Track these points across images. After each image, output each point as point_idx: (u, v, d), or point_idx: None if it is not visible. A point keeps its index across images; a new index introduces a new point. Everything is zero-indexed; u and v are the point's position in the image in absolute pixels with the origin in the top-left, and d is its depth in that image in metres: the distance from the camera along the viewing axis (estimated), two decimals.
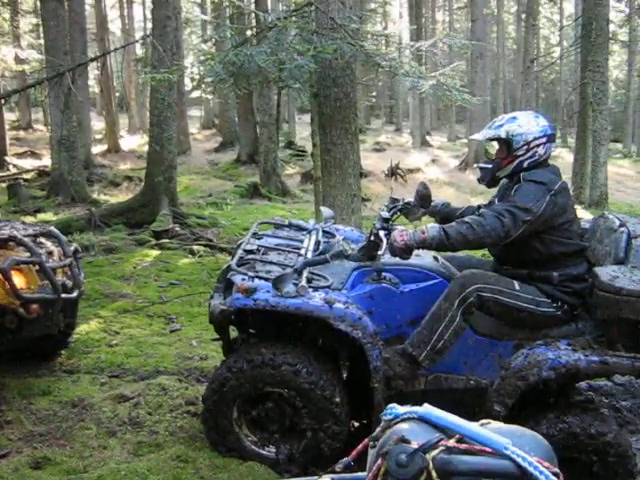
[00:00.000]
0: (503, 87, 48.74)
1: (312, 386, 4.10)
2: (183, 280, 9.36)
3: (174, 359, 6.27)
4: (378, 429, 1.47)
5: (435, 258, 4.65)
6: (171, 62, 11.68)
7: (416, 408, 1.43)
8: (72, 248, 5.99)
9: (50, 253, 5.72)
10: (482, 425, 1.40)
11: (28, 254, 5.33)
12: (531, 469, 1.29)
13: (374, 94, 50.46)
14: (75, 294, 5.70)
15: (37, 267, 5.34)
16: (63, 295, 5.44)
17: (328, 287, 4.22)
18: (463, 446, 1.33)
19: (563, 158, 27.77)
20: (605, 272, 3.98)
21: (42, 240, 5.83)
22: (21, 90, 16.94)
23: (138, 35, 37.03)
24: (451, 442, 1.33)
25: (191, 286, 9.06)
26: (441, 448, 1.31)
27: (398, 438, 1.35)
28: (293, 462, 4.21)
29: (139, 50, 33.27)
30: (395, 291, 4.31)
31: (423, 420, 1.40)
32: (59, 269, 5.63)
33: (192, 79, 9.92)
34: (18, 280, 5.14)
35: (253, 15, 14.72)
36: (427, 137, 38.22)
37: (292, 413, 4.24)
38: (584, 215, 13.49)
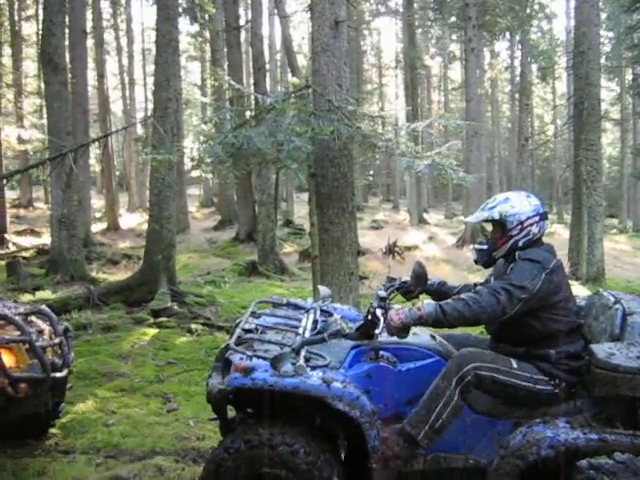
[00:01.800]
0: (498, 164, 49.46)
1: (310, 467, 4.06)
2: (181, 359, 9.31)
3: (171, 439, 6.21)
4: None
5: (432, 336, 4.66)
6: (171, 143, 11.88)
7: None
8: (63, 327, 6.04)
9: (40, 332, 5.75)
10: None
11: (18, 333, 5.35)
12: None
13: (371, 172, 51.13)
14: (64, 373, 5.72)
15: (27, 346, 5.35)
16: (52, 374, 5.45)
17: (326, 366, 4.22)
18: None
19: (560, 234, 27.97)
20: (601, 349, 4.00)
21: (33, 319, 5.87)
22: (24, 170, 17.15)
23: (139, 115, 37.79)
24: None
25: (189, 365, 9.03)
26: None
27: None
28: None
29: (140, 130, 33.82)
30: (393, 370, 4.31)
31: None
32: (49, 348, 5.65)
33: (192, 159, 10.06)
34: (7, 359, 5.16)
35: (252, 97, 15.04)
36: (424, 215, 38.58)
37: None
38: (581, 291, 13.53)
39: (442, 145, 9.22)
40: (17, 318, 5.46)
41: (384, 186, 56.03)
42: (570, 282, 4.78)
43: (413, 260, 4.74)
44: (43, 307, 6.12)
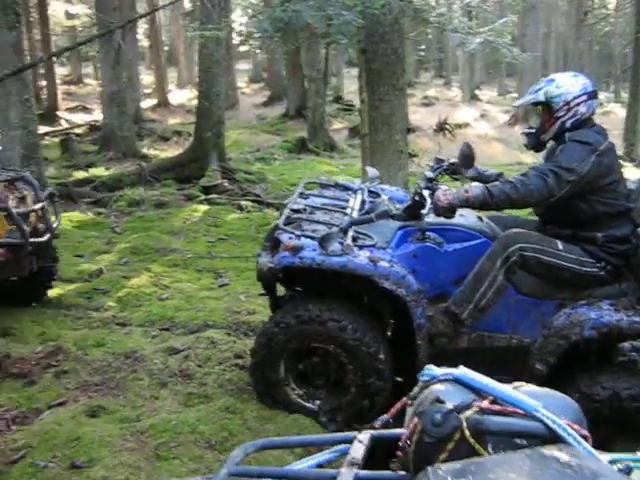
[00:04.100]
0: (555, 40, 47.49)
1: (357, 342, 4.19)
2: (231, 235, 9.49)
3: (223, 313, 6.40)
4: (416, 389, 1.55)
5: (479, 218, 4.66)
6: (219, 17, 11.68)
7: (452, 370, 1.50)
8: (46, 193, 6.25)
9: (22, 198, 5.93)
10: (514, 388, 1.47)
11: None
12: (560, 431, 1.35)
13: (423, 47, 49.67)
14: (46, 237, 5.94)
15: (5, 213, 5.55)
16: (32, 239, 5.67)
17: (373, 246, 4.28)
18: (496, 407, 1.39)
19: (616, 114, 27.08)
20: None
21: (17, 185, 6.03)
22: (72, 48, 17.19)
23: None
24: (484, 403, 1.39)
25: (239, 241, 9.19)
26: (475, 409, 1.38)
27: (434, 398, 1.42)
28: (336, 416, 4.32)
29: (187, 4, 33.17)
30: (439, 250, 4.35)
31: (458, 382, 1.47)
32: (32, 214, 5.86)
33: (240, 34, 9.90)
34: None
35: None
36: (476, 91, 37.63)
37: (337, 369, 4.35)
38: (635, 174, 13.26)
39: (496, 21, 8.91)
40: None
41: (436, 61, 54.53)
42: (623, 164, 4.70)
43: (464, 138, 4.68)
44: (26, 174, 6.28)
